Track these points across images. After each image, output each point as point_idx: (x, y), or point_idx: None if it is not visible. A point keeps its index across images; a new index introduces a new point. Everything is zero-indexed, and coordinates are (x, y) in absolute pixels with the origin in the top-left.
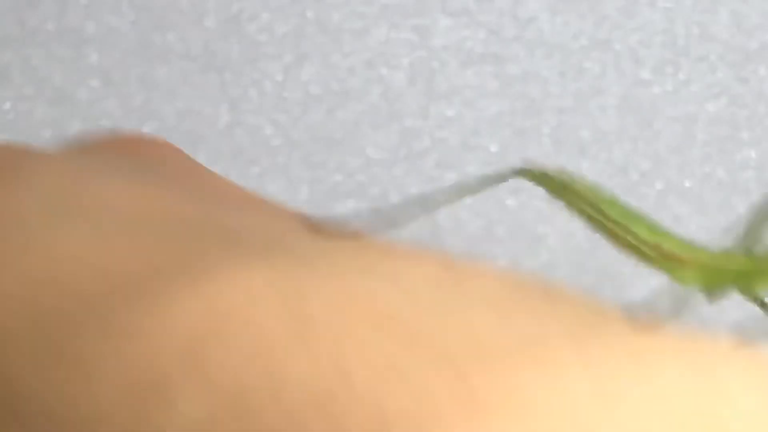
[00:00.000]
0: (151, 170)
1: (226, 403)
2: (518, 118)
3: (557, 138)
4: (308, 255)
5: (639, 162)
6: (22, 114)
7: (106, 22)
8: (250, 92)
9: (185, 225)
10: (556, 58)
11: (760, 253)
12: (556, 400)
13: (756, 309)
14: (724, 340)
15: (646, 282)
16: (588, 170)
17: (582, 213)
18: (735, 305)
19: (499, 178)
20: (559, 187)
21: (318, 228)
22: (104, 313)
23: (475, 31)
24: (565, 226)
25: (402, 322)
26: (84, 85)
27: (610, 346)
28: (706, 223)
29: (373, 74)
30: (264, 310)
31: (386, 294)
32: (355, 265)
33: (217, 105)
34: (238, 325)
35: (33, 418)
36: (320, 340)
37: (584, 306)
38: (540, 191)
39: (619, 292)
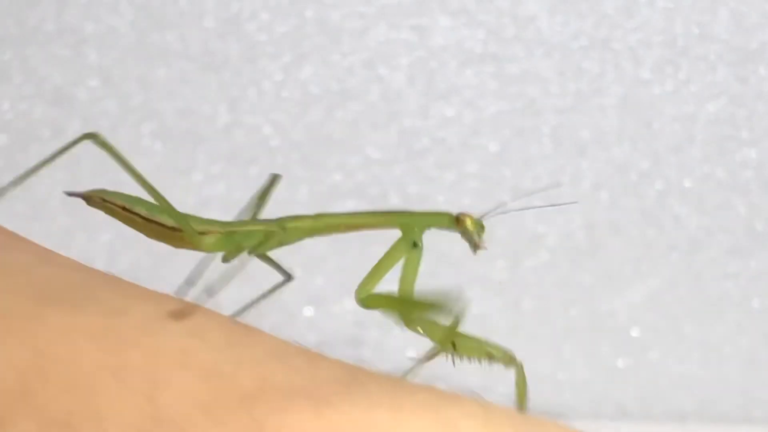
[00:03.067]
0: None
1: (54, 427)
2: (518, 118)
3: (557, 138)
4: (126, 310)
5: (639, 161)
6: (22, 113)
7: (105, 21)
8: (249, 92)
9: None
10: (555, 58)
11: (260, 220)
12: None
13: None
14: (468, 400)
15: (645, 283)
16: (587, 170)
17: (114, 212)
18: None
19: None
20: (103, 200)
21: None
22: None
23: (475, 31)
24: (565, 227)
25: (206, 367)
26: (83, 85)
27: (372, 395)
28: (705, 222)
29: (372, 74)
30: (83, 354)
31: (189, 343)
32: (169, 323)
33: (216, 105)
34: (61, 365)
35: None
36: (135, 380)
37: (340, 364)
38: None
39: (618, 292)
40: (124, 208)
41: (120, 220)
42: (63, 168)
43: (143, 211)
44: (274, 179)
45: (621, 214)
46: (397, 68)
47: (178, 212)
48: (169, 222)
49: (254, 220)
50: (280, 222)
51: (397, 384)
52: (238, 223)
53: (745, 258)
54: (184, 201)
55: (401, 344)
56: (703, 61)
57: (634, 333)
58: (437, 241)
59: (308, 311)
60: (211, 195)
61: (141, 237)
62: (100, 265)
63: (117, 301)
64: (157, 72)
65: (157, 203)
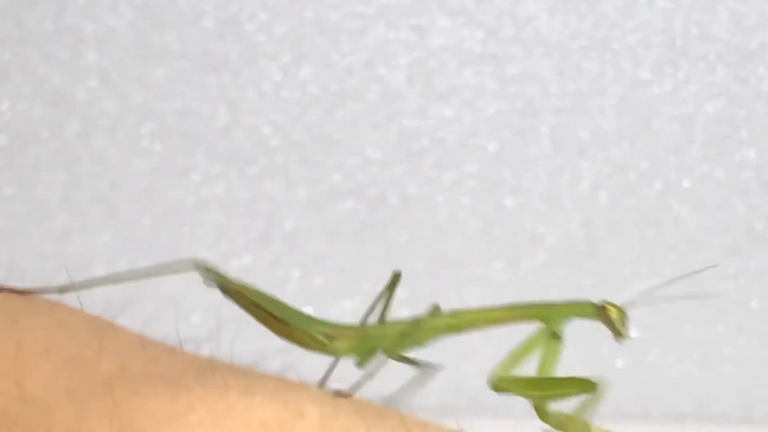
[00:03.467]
0: None
1: None
2: (517, 118)
3: (556, 138)
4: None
5: (638, 162)
6: (21, 114)
7: (104, 21)
8: (249, 92)
9: None
10: (554, 58)
11: (393, 322)
12: (183, 418)
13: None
14: (316, 389)
15: (644, 283)
16: (586, 170)
17: (247, 307)
18: None
19: (172, 269)
20: (227, 284)
21: None
22: None
23: (474, 31)
24: (564, 227)
25: (71, 355)
26: (82, 85)
27: (226, 380)
28: (705, 222)
29: (371, 74)
30: None
31: (56, 333)
32: (36, 316)
33: (216, 105)
34: None
35: None
36: (4, 366)
37: (197, 356)
38: (539, 191)
39: (617, 292)
40: (255, 304)
41: (252, 315)
42: (63, 168)
43: (273, 310)
44: (397, 277)
45: (620, 214)
46: (397, 68)
47: (307, 315)
48: (298, 323)
49: (386, 321)
50: (416, 322)
51: (249, 373)
52: (371, 325)
53: (744, 258)
54: (183, 201)
55: None
56: (703, 61)
57: (633, 333)
58: (435, 240)
59: (307, 311)
60: (210, 195)
61: (141, 238)
62: (99, 265)
63: None
64: (156, 72)
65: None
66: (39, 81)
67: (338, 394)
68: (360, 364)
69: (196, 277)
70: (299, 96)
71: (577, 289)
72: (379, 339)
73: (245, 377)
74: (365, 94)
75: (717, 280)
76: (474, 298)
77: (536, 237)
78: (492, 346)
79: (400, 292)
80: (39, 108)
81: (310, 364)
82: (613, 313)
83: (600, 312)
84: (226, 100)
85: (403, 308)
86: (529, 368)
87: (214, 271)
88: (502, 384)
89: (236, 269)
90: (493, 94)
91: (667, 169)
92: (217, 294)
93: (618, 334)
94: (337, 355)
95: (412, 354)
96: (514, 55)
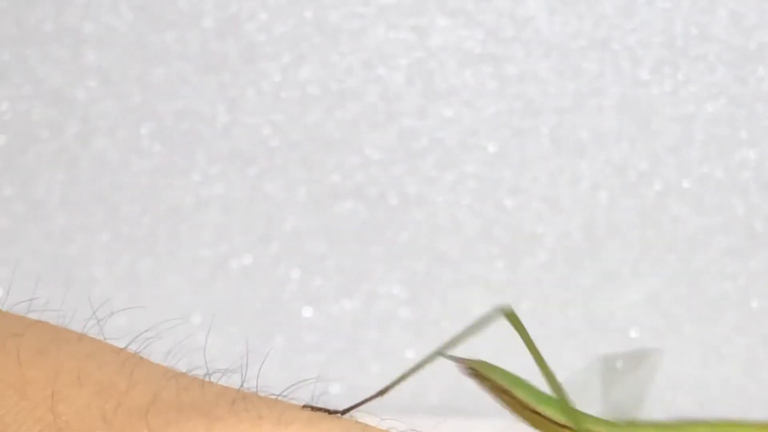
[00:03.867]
0: None
1: None
2: (516, 119)
3: (555, 138)
4: (23, 333)
5: (637, 162)
6: (20, 114)
7: (104, 22)
8: (248, 92)
9: None
10: (554, 58)
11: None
12: None
13: None
14: (350, 421)
15: (644, 283)
16: (586, 170)
17: (494, 392)
18: None
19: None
20: (482, 374)
21: None
22: None
23: (474, 31)
24: (564, 227)
25: (103, 384)
26: (82, 86)
27: (259, 411)
28: (704, 223)
29: (371, 74)
30: None
31: (86, 363)
32: (64, 346)
33: (215, 105)
34: None
35: None
36: (36, 394)
37: (227, 387)
38: (539, 191)
39: (616, 292)
40: (502, 389)
41: (494, 397)
42: (62, 168)
43: (524, 397)
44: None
45: (620, 215)
46: (396, 68)
47: (574, 409)
48: (557, 417)
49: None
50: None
51: (280, 403)
52: (647, 424)
53: (744, 258)
54: (183, 201)
55: (400, 344)
56: (702, 61)
57: (633, 333)
58: (435, 240)
59: (307, 312)
60: (209, 196)
61: (141, 238)
62: (99, 265)
63: (14, 327)
64: (156, 72)
65: (554, 394)
66: (39, 81)
67: (368, 426)
68: None
69: (195, 276)
70: (299, 96)
71: (577, 289)
72: None
73: (277, 408)
74: (365, 94)
75: (716, 280)
76: (474, 298)
77: (536, 237)
78: (493, 346)
79: (399, 292)
80: (39, 108)
81: (338, 396)
82: None
83: None
84: (226, 101)
85: (403, 308)
86: None
87: (518, 322)
88: None
89: (236, 269)
90: (493, 94)
91: (666, 170)
92: (216, 295)
93: None
94: None
95: None
96: (513, 56)
